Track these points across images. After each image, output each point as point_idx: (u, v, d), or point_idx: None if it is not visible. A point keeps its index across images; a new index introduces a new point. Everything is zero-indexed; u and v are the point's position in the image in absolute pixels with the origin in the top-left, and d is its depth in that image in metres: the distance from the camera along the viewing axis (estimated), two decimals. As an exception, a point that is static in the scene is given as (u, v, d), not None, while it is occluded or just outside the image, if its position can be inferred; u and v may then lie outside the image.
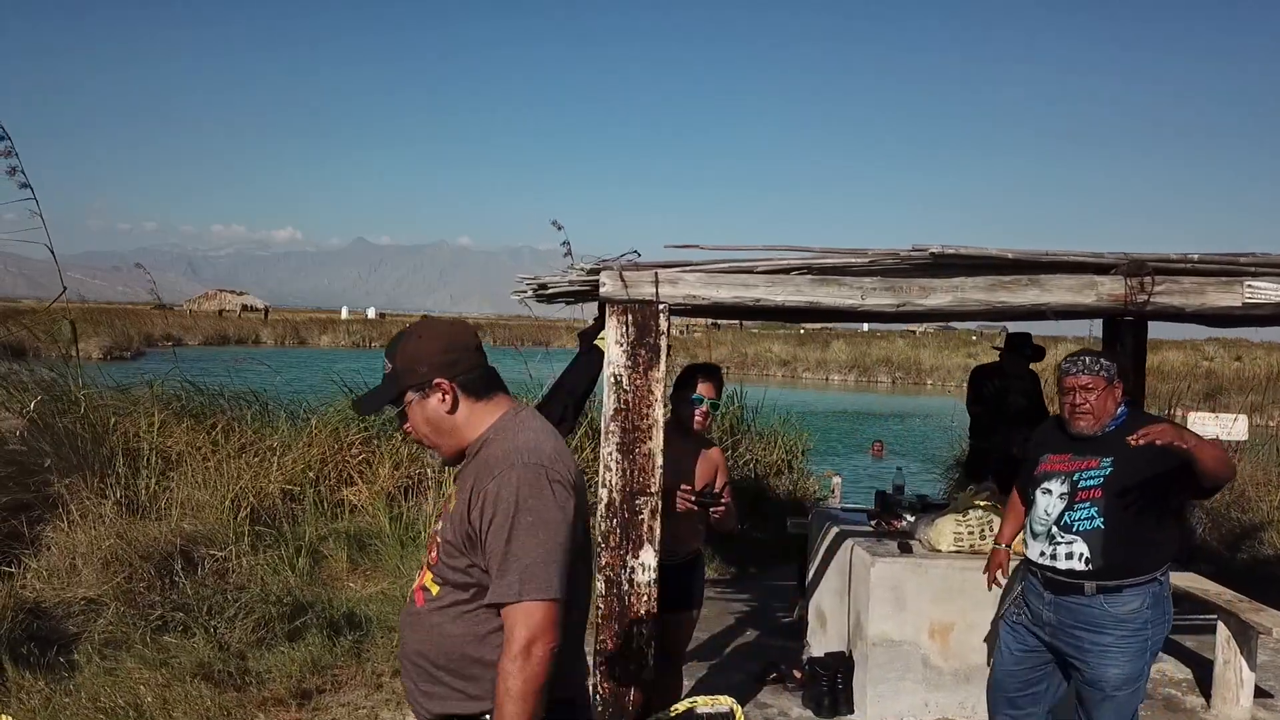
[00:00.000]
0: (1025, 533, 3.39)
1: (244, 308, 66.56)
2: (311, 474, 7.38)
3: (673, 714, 2.37)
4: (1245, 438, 7.97)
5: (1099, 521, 3.13)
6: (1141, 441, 2.79)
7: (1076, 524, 3.16)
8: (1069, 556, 3.16)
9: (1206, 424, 8.02)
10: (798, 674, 4.98)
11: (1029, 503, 3.38)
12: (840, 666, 4.71)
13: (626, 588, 3.49)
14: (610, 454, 3.48)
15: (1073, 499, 3.18)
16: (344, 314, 75.03)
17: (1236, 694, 4.58)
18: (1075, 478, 3.20)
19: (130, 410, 7.52)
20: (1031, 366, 6.72)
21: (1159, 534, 3.17)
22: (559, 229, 6.09)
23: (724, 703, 2.43)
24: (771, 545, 7.95)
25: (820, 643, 5.30)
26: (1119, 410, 3.24)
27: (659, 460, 3.48)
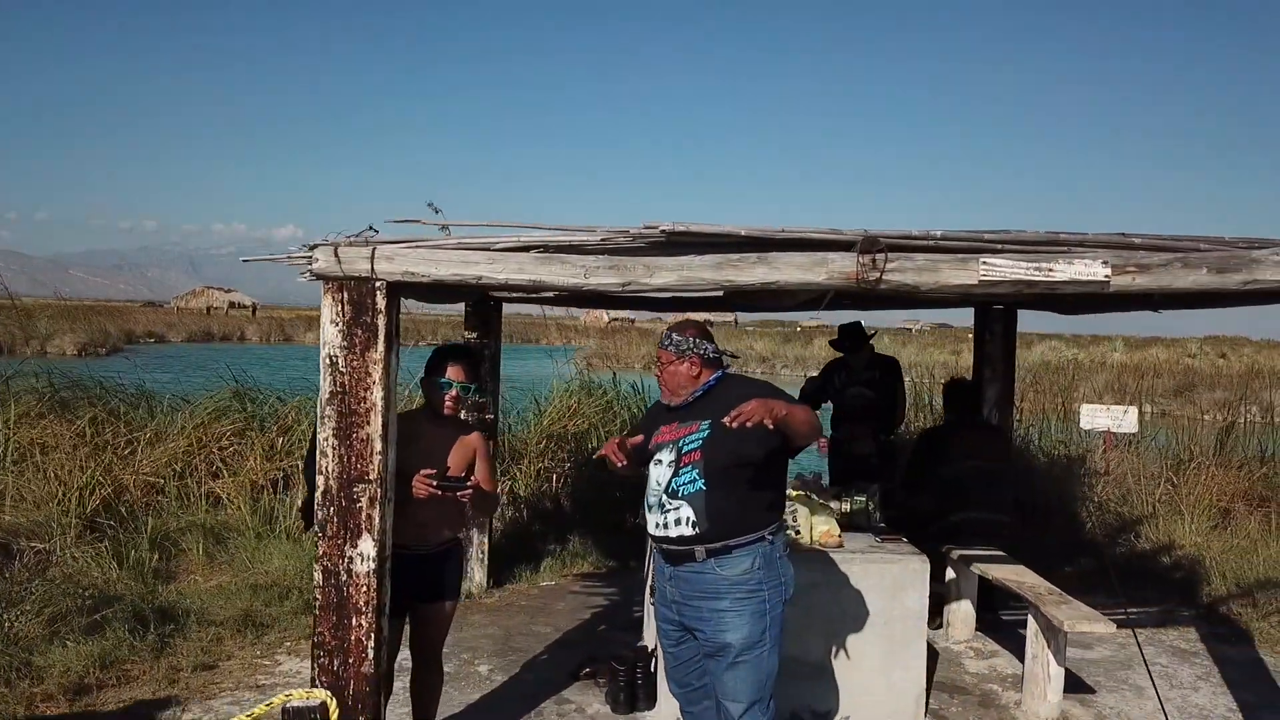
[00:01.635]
0: (644, 510, 3.38)
1: (231, 305, 66.50)
2: (177, 466, 7.27)
3: (258, 712, 2.24)
4: (1135, 430, 7.86)
5: (701, 483, 3.17)
6: (735, 424, 2.85)
7: (681, 489, 3.21)
8: (678, 522, 3.20)
9: (1097, 416, 7.91)
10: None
11: (644, 479, 3.39)
12: (641, 660, 4.58)
13: (345, 578, 3.35)
14: (327, 440, 3.33)
15: (678, 465, 3.23)
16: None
17: (1044, 690, 4.44)
18: (680, 444, 3.25)
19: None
20: (893, 355, 6.55)
21: (761, 493, 3.23)
22: (436, 211, 5.96)
23: (318, 695, 2.29)
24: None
25: (651, 636, 5.17)
26: (711, 378, 3.33)
27: (378, 446, 3.34)
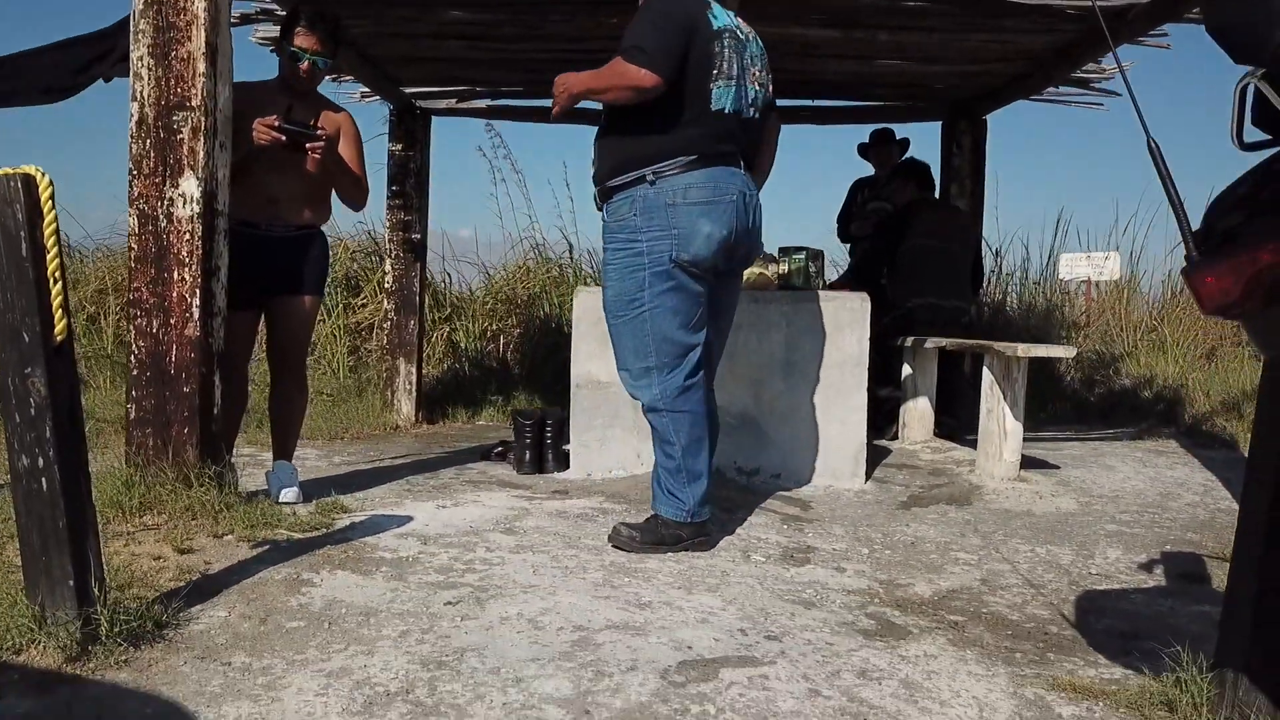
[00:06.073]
0: None
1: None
2: (90, 308, 6.83)
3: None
4: (1119, 276, 7.39)
5: (604, 122, 2.85)
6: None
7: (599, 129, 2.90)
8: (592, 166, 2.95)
9: (1077, 264, 7.44)
10: (524, 445, 4.38)
11: None
12: (549, 419, 4.11)
13: (164, 224, 2.88)
14: (141, 59, 2.86)
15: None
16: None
17: (999, 447, 3.95)
18: None
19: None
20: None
21: (641, 124, 2.73)
22: None
23: (25, 169, 1.82)
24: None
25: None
26: None
27: (202, 67, 2.86)
